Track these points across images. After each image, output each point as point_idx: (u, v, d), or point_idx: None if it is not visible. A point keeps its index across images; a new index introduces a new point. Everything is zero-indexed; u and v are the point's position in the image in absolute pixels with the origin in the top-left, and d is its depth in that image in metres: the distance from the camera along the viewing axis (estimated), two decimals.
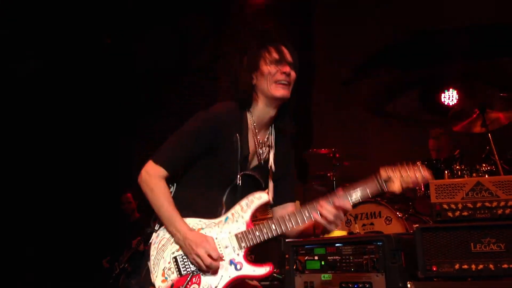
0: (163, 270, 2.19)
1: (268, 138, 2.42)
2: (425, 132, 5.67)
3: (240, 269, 2.14)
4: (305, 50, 7.13)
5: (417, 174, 2.14)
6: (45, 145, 7.06)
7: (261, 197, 2.24)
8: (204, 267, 2.12)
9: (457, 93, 6.13)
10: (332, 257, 3.43)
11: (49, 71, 7.06)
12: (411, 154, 5.55)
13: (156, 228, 2.33)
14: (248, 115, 2.37)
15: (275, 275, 4.08)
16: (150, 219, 6.59)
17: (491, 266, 3.08)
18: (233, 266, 2.14)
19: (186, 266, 2.17)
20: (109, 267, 6.39)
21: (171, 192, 2.34)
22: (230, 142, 2.28)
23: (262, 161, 2.39)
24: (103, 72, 7.61)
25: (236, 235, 2.18)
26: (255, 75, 2.33)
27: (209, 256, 2.12)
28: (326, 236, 3.71)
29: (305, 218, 2.16)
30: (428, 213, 4.31)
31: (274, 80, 2.29)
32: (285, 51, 2.36)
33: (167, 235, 2.24)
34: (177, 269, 2.18)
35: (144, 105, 8.09)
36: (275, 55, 2.32)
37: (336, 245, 3.45)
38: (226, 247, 2.18)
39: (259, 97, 2.34)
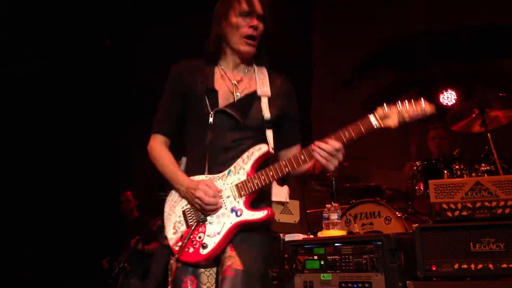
0: (174, 223, 2.32)
1: (244, 78, 2.42)
2: (424, 132, 5.67)
3: (240, 215, 2.22)
4: (304, 50, 7.13)
5: (416, 106, 2.07)
6: (45, 145, 7.06)
7: (260, 148, 2.28)
8: (205, 206, 2.23)
9: (456, 93, 6.13)
10: (331, 257, 3.43)
11: (49, 71, 7.06)
12: (409, 153, 5.56)
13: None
14: (217, 62, 2.45)
15: (274, 275, 4.07)
16: (149, 219, 6.57)
17: (490, 265, 3.08)
18: (234, 213, 2.23)
19: (193, 217, 2.29)
20: (108, 267, 6.38)
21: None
22: (195, 86, 2.37)
23: (243, 99, 2.36)
24: (103, 72, 7.61)
25: (236, 185, 2.25)
26: (224, 24, 2.37)
27: (207, 195, 2.22)
28: (326, 235, 3.73)
29: (300, 161, 2.19)
30: (428, 213, 4.32)
31: (241, 34, 2.33)
32: (256, 2, 2.36)
33: (178, 194, 2.36)
34: (185, 221, 2.31)
35: (144, 104, 8.09)
36: (244, 6, 2.33)
37: (336, 244, 3.46)
38: (228, 196, 2.26)
39: (226, 47, 2.40)
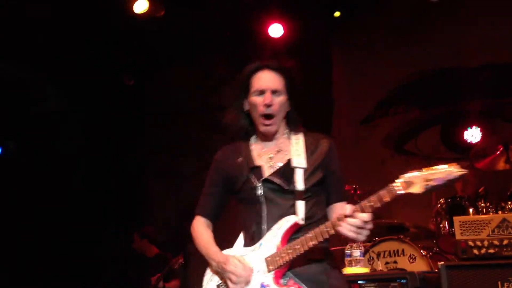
0: None
1: (281, 148, 2.45)
2: None
3: None
4: (325, 87, 7.18)
5: (443, 170, 1.96)
6: (63, 182, 7.13)
7: (289, 220, 2.26)
8: (234, 279, 2.25)
9: (481, 130, 6.06)
10: None
11: (70, 109, 7.21)
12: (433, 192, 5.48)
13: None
14: (251, 140, 2.52)
15: None
16: (170, 256, 6.50)
17: None
18: None
19: None
20: None
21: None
22: (237, 166, 2.44)
23: (281, 168, 2.38)
24: (124, 110, 7.74)
25: (266, 259, 2.26)
26: (246, 102, 2.47)
27: (237, 269, 2.26)
28: (348, 272, 3.65)
29: (327, 234, 2.14)
30: (453, 251, 4.21)
31: (258, 113, 2.41)
32: (269, 77, 2.43)
33: (210, 269, 2.45)
34: None
35: (165, 142, 8.18)
36: (256, 85, 2.42)
37: (359, 282, 3.39)
38: (258, 271, 2.26)
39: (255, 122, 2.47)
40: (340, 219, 2.09)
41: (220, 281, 2.37)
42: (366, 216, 2.04)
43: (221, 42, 7.48)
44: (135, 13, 6.17)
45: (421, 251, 4.27)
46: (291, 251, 2.19)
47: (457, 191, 5.26)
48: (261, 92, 2.39)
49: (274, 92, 2.40)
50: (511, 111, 5.88)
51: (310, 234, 2.17)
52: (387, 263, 4.35)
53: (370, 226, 2.06)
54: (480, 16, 6.03)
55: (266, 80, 2.42)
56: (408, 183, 2.01)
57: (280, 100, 2.41)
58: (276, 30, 6.89)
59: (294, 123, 2.50)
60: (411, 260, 4.26)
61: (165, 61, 7.88)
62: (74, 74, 6.95)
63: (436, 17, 6.29)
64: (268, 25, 6.90)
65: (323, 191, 2.40)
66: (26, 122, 6.89)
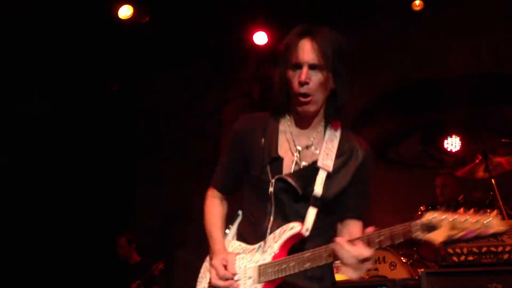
0: None
1: (313, 142, 2.08)
2: (428, 177, 5.67)
3: None
4: None
5: (477, 222, 1.56)
6: (47, 185, 7.05)
7: (292, 228, 1.95)
8: (212, 283, 2.00)
9: (460, 139, 6.15)
10: None
11: (54, 113, 7.14)
12: (414, 199, 5.55)
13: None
14: (283, 119, 2.14)
15: None
16: (151, 263, 6.43)
17: None
18: None
19: None
20: None
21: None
22: (258, 149, 2.09)
23: (306, 168, 2.05)
24: (107, 115, 7.70)
25: (259, 267, 1.97)
26: (284, 75, 2.05)
27: (217, 274, 1.98)
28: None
29: (323, 259, 1.84)
30: (433, 259, 4.27)
31: (294, 91, 2.02)
32: (309, 48, 2.00)
33: (207, 263, 2.16)
34: None
35: (148, 148, 8.15)
36: (292, 57, 2.01)
37: None
38: (250, 277, 1.98)
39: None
40: (340, 245, 1.78)
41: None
42: (368, 252, 1.73)
43: (206, 48, 7.50)
44: (120, 19, 6.16)
45: (402, 258, 4.32)
46: (284, 266, 1.90)
47: (437, 192, 5.35)
48: (296, 66, 1.99)
49: (312, 67, 1.99)
50: (490, 121, 5.99)
51: (306, 254, 1.88)
52: (368, 270, 4.39)
53: (369, 265, 1.77)
54: (462, 26, 6.13)
55: (304, 51, 1.99)
56: (430, 227, 1.66)
57: (319, 78, 1.98)
58: (260, 38, 6.93)
59: (335, 110, 2.10)
60: (392, 267, 4.31)
61: (150, 66, 7.87)
62: (60, 79, 6.90)
63: (418, 27, 6.38)
64: (253, 32, 6.93)
65: (338, 205, 2.06)
66: (11, 124, 6.81)
